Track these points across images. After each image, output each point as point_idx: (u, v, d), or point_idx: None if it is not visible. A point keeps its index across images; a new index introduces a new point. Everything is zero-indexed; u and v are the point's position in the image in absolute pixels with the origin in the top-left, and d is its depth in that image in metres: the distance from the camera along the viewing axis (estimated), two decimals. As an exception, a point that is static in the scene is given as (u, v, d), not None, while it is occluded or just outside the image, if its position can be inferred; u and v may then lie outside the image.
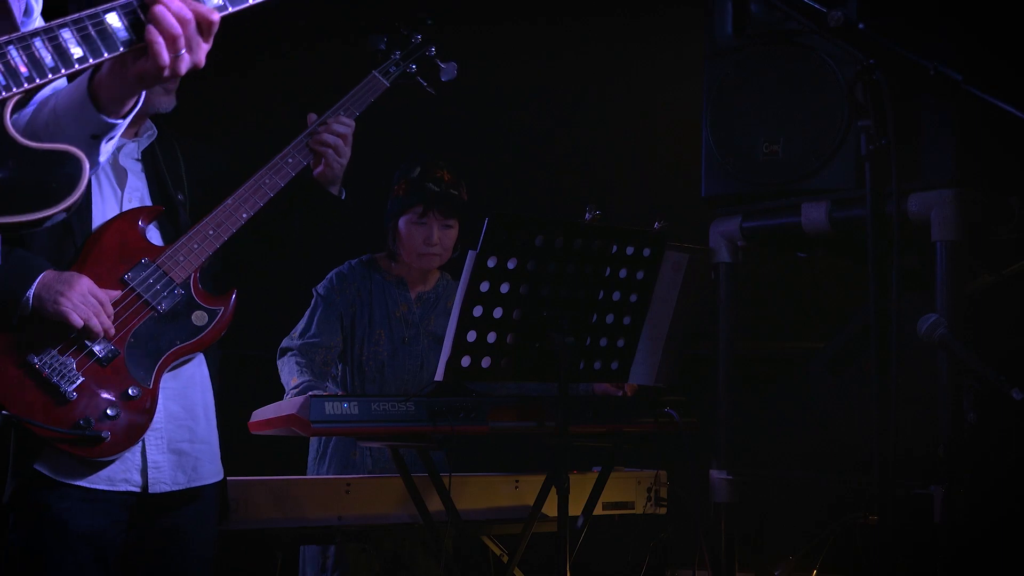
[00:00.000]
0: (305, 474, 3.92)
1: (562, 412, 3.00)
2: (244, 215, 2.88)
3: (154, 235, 2.88)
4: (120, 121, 1.89)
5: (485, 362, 3.05)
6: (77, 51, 1.76)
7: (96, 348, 2.68)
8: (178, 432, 2.85)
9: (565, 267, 3.08)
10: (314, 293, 3.93)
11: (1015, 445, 2.96)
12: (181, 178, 2.99)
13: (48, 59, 1.75)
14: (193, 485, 2.87)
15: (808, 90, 3.42)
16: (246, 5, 1.86)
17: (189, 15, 1.77)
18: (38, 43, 1.75)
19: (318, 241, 3.18)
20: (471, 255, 2.96)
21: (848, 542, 3.20)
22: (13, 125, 1.79)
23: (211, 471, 2.92)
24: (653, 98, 4.86)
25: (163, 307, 2.78)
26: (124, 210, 2.86)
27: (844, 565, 3.28)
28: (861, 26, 2.19)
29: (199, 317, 2.83)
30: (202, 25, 1.79)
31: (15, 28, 1.81)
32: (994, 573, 3.03)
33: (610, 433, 3.42)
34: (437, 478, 3.21)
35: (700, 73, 3.72)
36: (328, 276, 3.96)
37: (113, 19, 1.77)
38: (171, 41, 1.76)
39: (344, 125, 3.08)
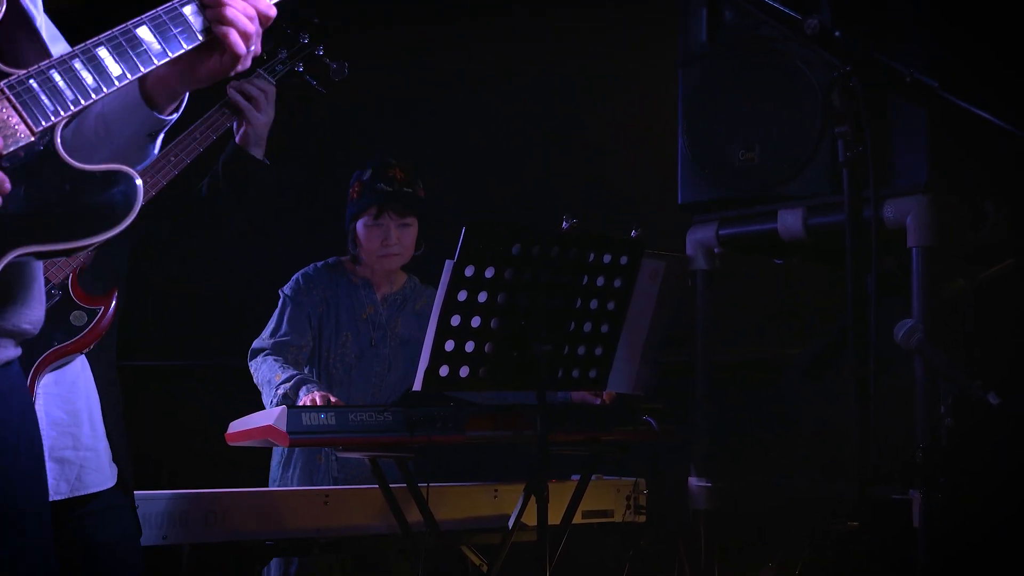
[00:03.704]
0: (267, 482, 3.90)
1: (541, 421, 2.99)
2: None
3: None
4: (174, 117, 1.98)
5: (463, 371, 3.04)
6: (116, 69, 1.81)
7: None
8: (61, 439, 2.71)
9: (542, 276, 3.08)
10: (281, 294, 3.90)
11: (992, 449, 2.98)
12: None
13: (90, 80, 1.79)
14: (76, 494, 2.71)
15: (782, 96, 3.44)
16: None
17: (253, 12, 1.90)
18: (78, 64, 1.79)
19: (248, 211, 3.14)
20: (448, 264, 2.95)
21: (828, 548, 3.21)
22: (61, 142, 1.82)
23: (96, 479, 2.76)
24: (629, 105, 4.87)
25: None
26: None
27: (824, 571, 3.28)
28: (837, 33, 2.20)
29: (77, 317, 2.73)
30: (262, 19, 1.93)
31: (45, 50, 1.87)
32: (973, 577, 3.04)
33: (589, 441, 3.42)
34: (415, 488, 3.20)
35: (675, 80, 3.73)
36: (294, 277, 3.94)
37: (145, 32, 1.84)
38: (246, 38, 1.89)
39: (266, 82, 3.07)
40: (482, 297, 2.99)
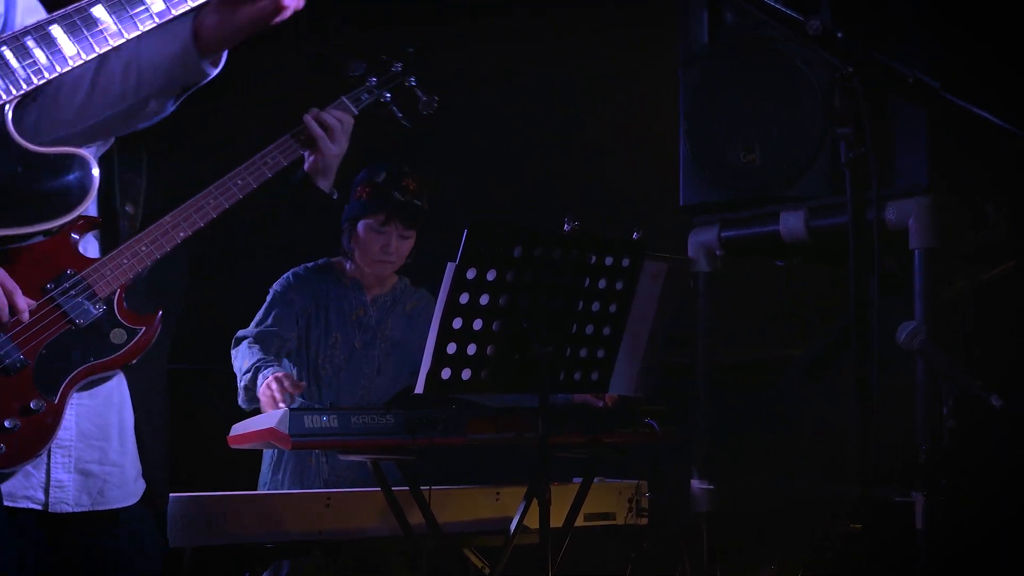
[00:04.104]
0: (256, 484, 3.89)
1: (543, 423, 2.99)
2: (181, 234, 2.72)
3: (92, 247, 2.70)
4: (214, 71, 2.00)
5: (465, 374, 3.03)
6: (71, 48, 1.76)
7: (3, 357, 2.50)
8: (88, 452, 2.70)
9: (544, 278, 3.07)
10: (271, 291, 3.90)
11: (995, 451, 2.97)
12: (139, 189, 2.87)
13: (43, 58, 1.74)
14: (98, 508, 2.70)
15: (783, 96, 3.43)
16: None
17: None
18: (30, 42, 1.74)
19: (304, 238, 3.13)
20: (450, 267, 2.95)
21: (829, 549, 3.20)
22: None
23: (119, 496, 2.74)
24: (629, 105, 4.86)
25: (81, 321, 2.60)
26: None
27: (826, 572, 3.28)
28: (840, 34, 2.19)
29: (117, 335, 2.64)
30: None
31: None
32: (975, 579, 3.04)
33: (591, 444, 3.41)
34: (417, 491, 3.20)
35: (675, 80, 3.73)
36: (285, 275, 3.93)
37: (100, 11, 1.78)
38: None
39: (345, 112, 3.06)
40: (484, 299, 2.99)
